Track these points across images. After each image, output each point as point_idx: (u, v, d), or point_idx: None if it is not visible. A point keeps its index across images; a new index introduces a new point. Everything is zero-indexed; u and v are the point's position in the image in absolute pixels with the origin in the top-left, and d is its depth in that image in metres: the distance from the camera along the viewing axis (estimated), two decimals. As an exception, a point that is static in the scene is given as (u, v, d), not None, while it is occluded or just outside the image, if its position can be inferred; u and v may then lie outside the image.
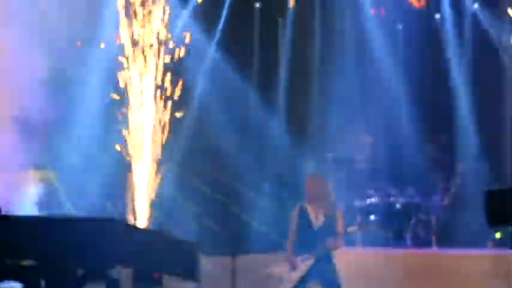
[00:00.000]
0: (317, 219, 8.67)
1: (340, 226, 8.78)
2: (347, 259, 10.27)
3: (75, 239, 8.34)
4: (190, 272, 9.52)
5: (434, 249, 12.64)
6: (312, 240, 8.60)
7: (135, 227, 11.53)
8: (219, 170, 14.43)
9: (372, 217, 12.84)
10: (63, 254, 8.37)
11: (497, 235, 13.38)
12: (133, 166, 12.71)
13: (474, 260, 11.94)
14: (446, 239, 12.77)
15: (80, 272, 8.53)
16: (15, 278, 8.57)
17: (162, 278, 9.45)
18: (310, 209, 8.64)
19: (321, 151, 13.49)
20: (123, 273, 8.96)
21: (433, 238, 12.56)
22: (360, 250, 12.37)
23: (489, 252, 12.89)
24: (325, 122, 13.93)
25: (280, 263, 8.85)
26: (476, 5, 14.40)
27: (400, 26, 14.80)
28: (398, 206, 12.99)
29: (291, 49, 14.99)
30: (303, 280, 8.60)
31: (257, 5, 14.92)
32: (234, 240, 11.50)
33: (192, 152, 14.09)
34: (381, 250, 12.30)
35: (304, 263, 8.60)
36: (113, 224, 8.92)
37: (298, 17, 14.95)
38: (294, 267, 8.60)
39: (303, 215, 8.73)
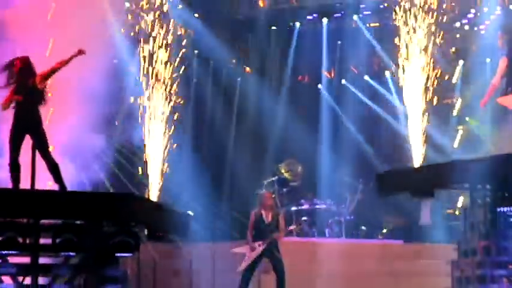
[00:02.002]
0: (268, 219, 12.06)
1: (282, 224, 12.20)
2: (288, 246, 13.18)
3: (111, 207, 10.22)
4: (183, 233, 11.61)
5: (344, 239, 15.45)
6: (265, 232, 12.02)
7: (148, 200, 13.44)
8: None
9: (304, 218, 15.49)
10: (102, 216, 10.19)
11: (384, 230, 16.75)
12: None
13: (369, 246, 15.09)
14: (351, 233, 15.74)
15: (112, 228, 10.25)
16: (72, 231, 9.99)
17: (165, 235, 11.34)
18: (263, 213, 12.10)
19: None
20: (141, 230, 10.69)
21: (343, 232, 15.45)
22: (296, 239, 15.01)
23: (379, 241, 16.10)
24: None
25: (243, 245, 12.17)
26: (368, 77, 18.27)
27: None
28: (321, 211, 15.67)
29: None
30: (259, 257, 11.97)
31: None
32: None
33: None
34: (310, 240, 15.09)
35: (261, 247, 11.93)
36: (134, 197, 11.26)
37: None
38: (253, 249, 11.92)
39: (259, 216, 12.11)
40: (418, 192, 11.36)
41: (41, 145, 10.19)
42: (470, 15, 16.80)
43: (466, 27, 17.04)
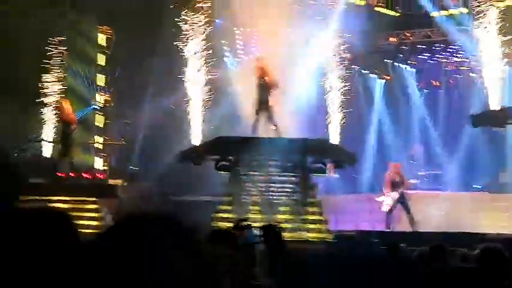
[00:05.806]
0: (396, 179, 14.88)
1: (405, 182, 15.02)
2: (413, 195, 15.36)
3: (312, 148, 13.89)
4: (351, 164, 15.75)
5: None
6: (396, 186, 14.83)
7: (332, 143, 16.39)
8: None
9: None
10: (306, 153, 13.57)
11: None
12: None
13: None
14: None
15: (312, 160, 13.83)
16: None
17: (341, 164, 15.46)
18: (394, 175, 14.92)
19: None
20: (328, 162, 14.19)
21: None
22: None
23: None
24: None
25: (381, 195, 15.06)
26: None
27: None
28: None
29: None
30: (396, 202, 14.71)
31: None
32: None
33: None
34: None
35: (395, 196, 14.70)
36: (327, 143, 15.55)
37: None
38: (388, 197, 14.79)
39: (391, 178, 14.88)
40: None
41: (269, 113, 14.77)
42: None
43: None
